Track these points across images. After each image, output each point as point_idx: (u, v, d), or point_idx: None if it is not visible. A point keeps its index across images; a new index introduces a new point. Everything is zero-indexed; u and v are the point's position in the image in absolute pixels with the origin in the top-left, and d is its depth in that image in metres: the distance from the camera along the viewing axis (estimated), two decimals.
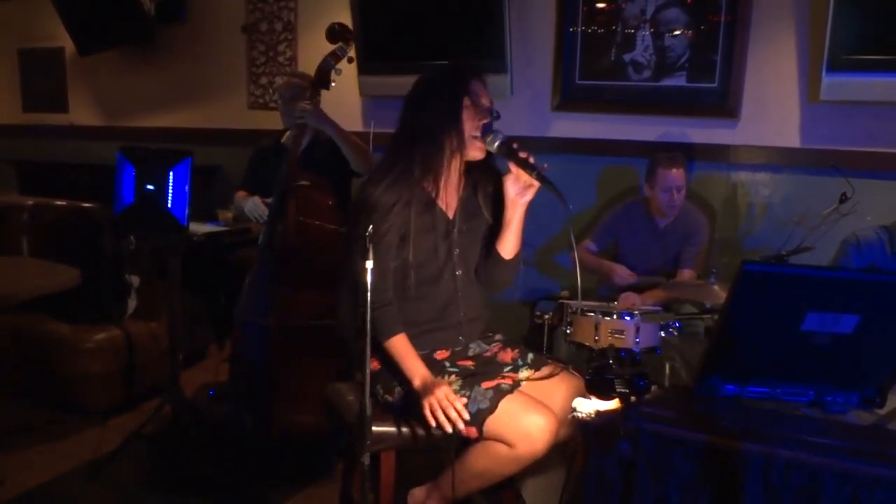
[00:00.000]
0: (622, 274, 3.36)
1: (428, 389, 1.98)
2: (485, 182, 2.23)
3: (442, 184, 2.14)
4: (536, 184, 2.03)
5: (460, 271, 2.20)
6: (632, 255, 3.47)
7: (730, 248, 3.66)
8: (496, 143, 2.07)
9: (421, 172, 2.09)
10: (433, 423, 1.96)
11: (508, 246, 2.18)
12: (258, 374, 2.97)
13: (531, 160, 2.03)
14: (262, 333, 2.95)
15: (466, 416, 1.94)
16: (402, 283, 2.11)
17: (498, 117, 2.14)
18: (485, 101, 2.12)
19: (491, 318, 2.33)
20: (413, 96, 2.16)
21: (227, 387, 3.27)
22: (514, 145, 2.06)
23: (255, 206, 3.53)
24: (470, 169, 2.21)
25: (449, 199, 2.19)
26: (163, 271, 3.17)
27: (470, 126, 2.10)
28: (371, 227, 1.84)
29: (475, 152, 2.13)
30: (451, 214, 2.19)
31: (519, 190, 2.08)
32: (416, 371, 2.04)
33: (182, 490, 2.80)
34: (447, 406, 1.93)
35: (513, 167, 2.06)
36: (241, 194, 3.68)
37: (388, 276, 2.08)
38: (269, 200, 3.25)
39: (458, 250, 2.19)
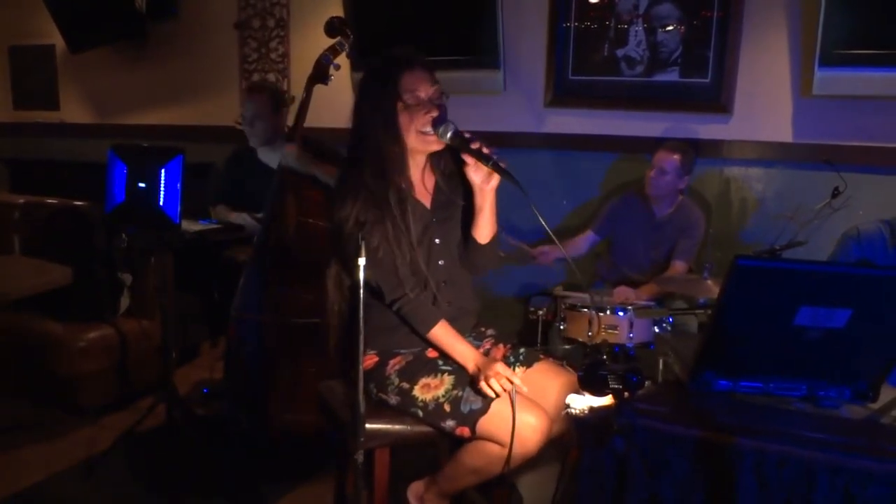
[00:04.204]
0: (543, 250, 3.41)
1: (482, 371, 1.97)
2: (444, 163, 2.16)
3: (412, 179, 2.10)
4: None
5: (443, 261, 2.16)
6: (626, 245, 3.48)
7: (723, 242, 3.67)
8: (448, 135, 1.99)
9: (383, 184, 2.00)
10: (492, 395, 1.94)
11: (483, 231, 2.13)
12: (253, 371, 2.96)
13: (484, 150, 1.97)
14: (258, 330, 2.94)
15: (519, 383, 1.93)
16: None
17: (447, 98, 2.05)
18: (423, 93, 2.01)
19: (482, 313, 2.32)
20: (355, 103, 2.08)
21: (222, 384, 3.26)
22: (467, 135, 1.99)
23: (245, 221, 3.48)
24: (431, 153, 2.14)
25: (422, 189, 2.15)
26: (155, 269, 3.16)
27: (414, 124, 2.01)
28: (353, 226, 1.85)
29: (432, 146, 2.06)
30: (427, 204, 2.15)
31: (483, 177, 2.03)
32: (468, 358, 2.04)
33: (176, 488, 2.79)
34: (504, 382, 1.92)
35: (468, 158, 2.01)
36: (222, 208, 3.64)
37: (396, 273, 2.04)
38: (259, 215, 3.22)
39: (438, 240, 2.15)
